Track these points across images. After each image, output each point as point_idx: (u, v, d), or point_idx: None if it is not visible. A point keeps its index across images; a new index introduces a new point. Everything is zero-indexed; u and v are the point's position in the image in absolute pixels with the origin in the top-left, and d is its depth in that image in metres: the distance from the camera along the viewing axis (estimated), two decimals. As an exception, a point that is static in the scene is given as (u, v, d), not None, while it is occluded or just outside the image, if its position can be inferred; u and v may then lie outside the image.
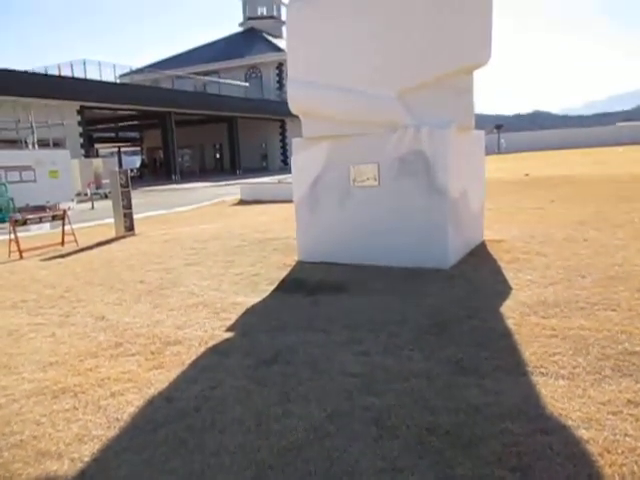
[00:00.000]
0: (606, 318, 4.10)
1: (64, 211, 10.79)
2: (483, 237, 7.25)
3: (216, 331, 4.41)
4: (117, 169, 13.03)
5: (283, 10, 49.65)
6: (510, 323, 4.15)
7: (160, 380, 3.48)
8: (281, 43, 48.49)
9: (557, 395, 2.96)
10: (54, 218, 10.94)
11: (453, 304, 4.70)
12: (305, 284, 5.69)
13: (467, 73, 5.65)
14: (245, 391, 3.25)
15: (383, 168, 5.72)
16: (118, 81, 37.40)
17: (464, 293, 5.05)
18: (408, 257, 5.81)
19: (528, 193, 14.06)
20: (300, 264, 6.61)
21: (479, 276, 5.63)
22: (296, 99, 5.93)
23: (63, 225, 10.26)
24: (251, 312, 4.94)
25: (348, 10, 5.51)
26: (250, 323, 4.61)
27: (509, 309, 4.47)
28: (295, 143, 6.36)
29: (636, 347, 3.52)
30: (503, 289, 5.10)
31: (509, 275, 5.54)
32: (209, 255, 7.82)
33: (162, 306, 5.28)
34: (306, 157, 6.13)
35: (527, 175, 19.89)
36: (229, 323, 4.61)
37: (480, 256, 6.51)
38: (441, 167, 5.49)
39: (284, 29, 46.51)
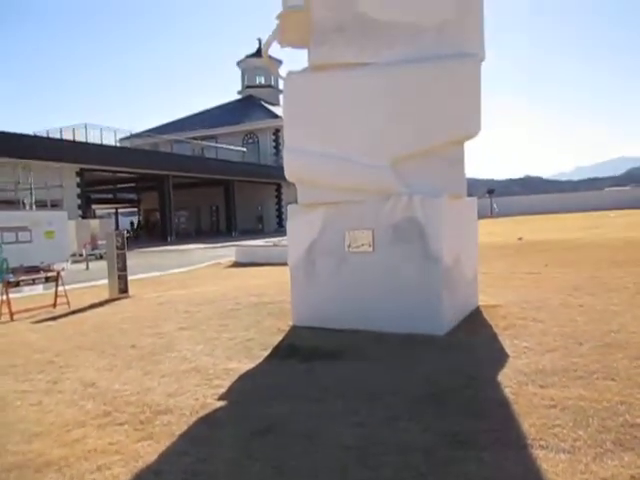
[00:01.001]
0: (605, 388, 4.04)
1: (58, 272, 10.75)
2: (478, 302, 7.24)
3: (208, 399, 4.31)
4: (113, 230, 13.10)
5: (280, 80, 51.47)
6: (508, 392, 4.08)
7: (149, 452, 3.36)
8: (278, 110, 50.07)
9: (558, 470, 2.87)
10: (47, 280, 10.88)
11: (449, 373, 4.63)
12: (299, 350, 5.61)
13: (458, 144, 5.85)
14: (236, 465, 3.13)
15: (378, 234, 5.79)
16: (118, 145, 38.22)
17: (460, 361, 4.99)
18: (403, 323, 5.78)
19: (522, 257, 14.16)
20: (295, 329, 6.54)
21: (475, 343, 5.58)
22: (292, 167, 6.08)
23: (56, 286, 10.20)
24: (244, 379, 4.84)
25: (342, 83, 5.74)
26: (243, 391, 4.51)
27: (506, 378, 4.40)
28: (291, 209, 6.46)
29: (637, 419, 3.45)
30: (499, 356, 5.04)
31: (505, 342, 5.49)
32: (203, 319, 7.75)
33: (154, 372, 5.18)
34: (301, 222, 6.21)
35: (520, 239, 20.08)
36: (222, 391, 4.51)
37: (475, 322, 6.47)
38: (434, 234, 5.56)
39: (281, 97, 48.17)
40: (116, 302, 10.24)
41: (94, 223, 27.52)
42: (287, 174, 6.18)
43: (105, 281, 11.63)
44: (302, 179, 6.12)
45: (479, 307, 7.17)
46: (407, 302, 5.78)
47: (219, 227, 48.61)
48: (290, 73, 6.06)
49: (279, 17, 5.84)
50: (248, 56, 57.11)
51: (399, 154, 5.64)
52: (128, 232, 47.44)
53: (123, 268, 11.25)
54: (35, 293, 12.12)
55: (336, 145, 5.75)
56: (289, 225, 6.46)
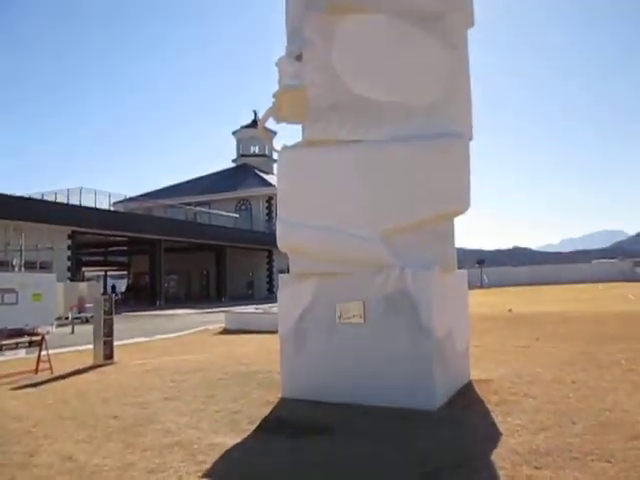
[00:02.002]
0: (601, 470, 3.93)
1: (42, 337, 10.53)
2: (470, 376, 7.14)
3: (191, 477, 4.13)
4: (102, 295, 12.97)
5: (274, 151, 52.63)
6: (502, 474, 3.95)
7: (126, 535, 3.18)
8: (271, 178, 51.09)
9: None
10: (31, 344, 10.64)
11: (441, 450, 4.50)
12: (288, 424, 5.45)
13: (448, 219, 5.98)
14: None
15: (369, 306, 5.79)
16: (112, 208, 38.52)
17: (452, 438, 4.86)
18: (394, 397, 5.67)
19: (512, 330, 14.10)
20: (284, 401, 6.38)
21: (467, 419, 5.45)
22: (284, 238, 6.15)
23: (39, 351, 9.96)
24: (230, 455, 4.67)
25: (335, 159, 5.93)
26: (228, 469, 4.34)
27: (500, 457, 4.28)
28: (282, 279, 6.48)
29: (635, 505, 3.34)
30: (492, 434, 4.92)
31: (498, 419, 5.37)
32: (189, 389, 7.55)
33: (135, 446, 4.98)
34: (292, 292, 6.21)
35: (510, 311, 20.06)
36: (206, 467, 4.34)
37: (467, 397, 6.35)
38: (426, 307, 5.57)
39: (274, 166, 49.31)
40: (100, 369, 9.99)
41: (82, 286, 27.22)
42: (279, 245, 6.25)
43: (90, 346, 11.38)
44: (294, 250, 6.18)
45: (471, 381, 7.06)
46: (398, 376, 5.70)
47: (209, 292, 48.26)
48: (285, 147, 6.25)
49: (275, 95, 6.09)
50: (244, 127, 58.92)
51: (390, 227, 5.75)
52: (116, 295, 46.98)
53: (109, 333, 11.06)
54: (17, 357, 11.81)
55: (328, 217, 5.85)
56: (280, 294, 6.45)
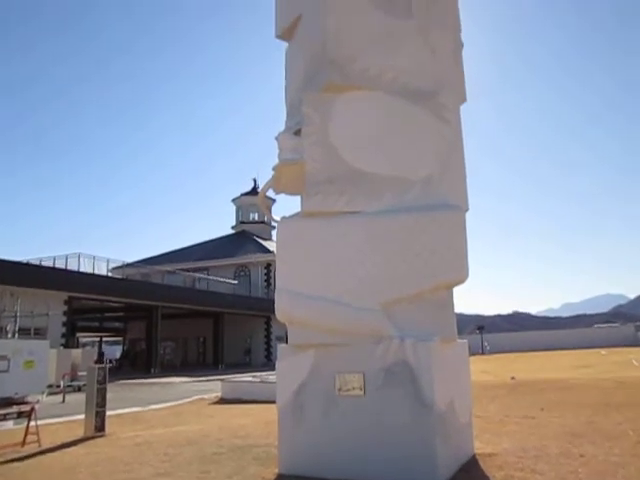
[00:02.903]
0: None
1: (32, 408, 10.22)
2: (474, 450, 6.90)
3: None
4: (95, 365, 12.71)
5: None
6: None
7: None
8: (270, 245, 51.43)
9: None
10: (19, 415, 10.32)
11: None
12: (285, 504, 5.20)
13: (447, 289, 5.99)
14: None
15: (369, 378, 5.67)
16: (110, 274, 38.47)
17: (458, 519, 4.63)
18: (396, 473, 5.45)
19: (516, 399, 13.75)
20: (281, 478, 6.12)
21: (473, 498, 5.22)
22: (283, 309, 6.13)
23: (28, 423, 9.64)
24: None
25: (333, 230, 6.00)
26: None
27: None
28: (280, 349, 6.40)
29: None
30: (500, 515, 4.69)
31: (505, 497, 5.14)
32: (183, 463, 7.26)
33: (124, 528, 4.73)
34: (291, 364, 6.10)
35: (513, 379, 19.66)
36: None
37: (471, 472, 6.10)
38: (426, 379, 5.46)
39: (273, 233, 49.76)
40: (91, 441, 9.64)
41: (76, 353, 26.74)
42: (278, 315, 6.21)
43: (81, 416, 11.04)
44: (293, 320, 6.14)
45: (475, 455, 6.81)
46: (400, 450, 5.50)
47: (205, 359, 47.37)
48: (284, 219, 6.35)
49: (275, 168, 6.25)
50: (243, 194, 59.97)
51: (389, 298, 5.74)
52: (110, 362, 45.89)
53: (102, 404, 10.75)
54: (4, 429, 11.43)
55: (327, 288, 5.85)
56: (278, 366, 6.35)
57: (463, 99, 6.79)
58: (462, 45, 6.86)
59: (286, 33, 6.98)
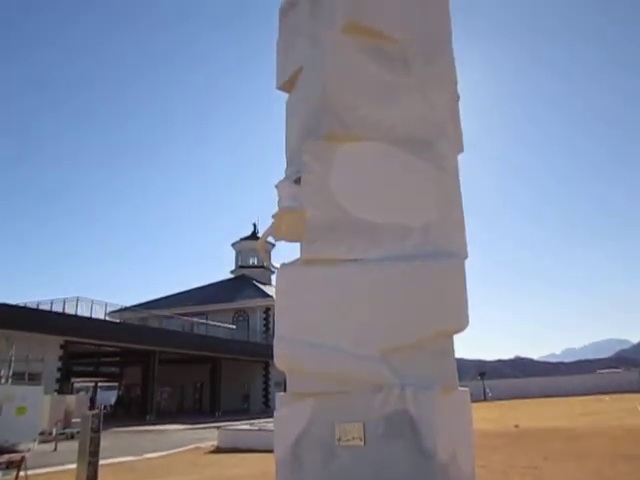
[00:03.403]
0: None
1: (22, 458, 9.96)
2: (478, 504, 6.68)
3: None
4: (90, 412, 12.44)
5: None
6: None
7: None
8: (269, 290, 51.28)
9: None
10: (9, 466, 10.03)
11: None
12: None
13: (447, 337, 5.96)
14: None
15: (369, 427, 5.56)
16: (108, 318, 38.18)
17: None
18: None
19: (519, 448, 13.44)
20: (278, 534, 5.90)
21: None
22: (282, 357, 6.07)
23: (17, 473, 9.36)
24: None
25: (332, 278, 6.02)
26: None
27: None
28: (279, 398, 6.29)
29: None
30: None
31: None
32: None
33: None
34: (289, 413, 5.99)
35: (516, 427, 19.25)
36: None
37: (476, 528, 5.90)
38: (428, 429, 5.35)
39: (273, 277, 49.63)
40: (82, 494, 9.34)
41: (70, 399, 26.25)
42: (277, 362, 6.15)
43: (73, 465, 10.75)
44: (291, 368, 6.06)
45: (479, 510, 6.59)
46: (401, 504, 5.32)
47: (202, 406, 46.46)
48: (283, 265, 6.37)
49: (274, 216, 6.31)
50: (243, 239, 60.27)
51: (388, 346, 5.69)
52: (105, 408, 44.86)
53: (95, 453, 10.47)
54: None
55: (326, 336, 5.82)
56: (276, 415, 6.24)
57: (461, 149, 6.94)
58: (459, 97, 7.05)
59: (287, 84, 7.17)
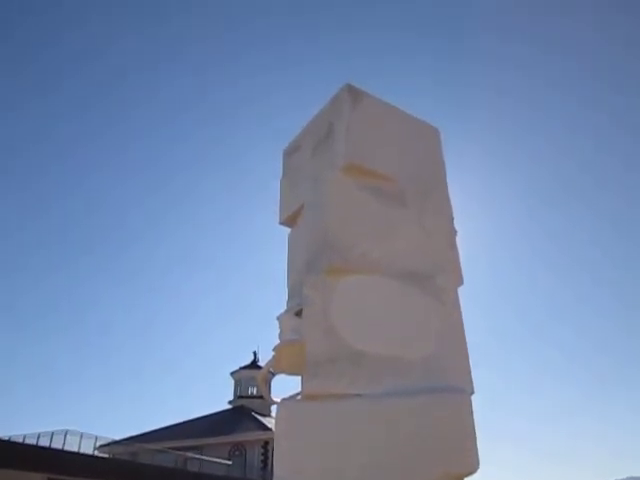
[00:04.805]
0: None
1: None
2: None
3: None
4: None
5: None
6: None
7: None
8: (269, 422, 49.16)
9: None
10: None
11: None
12: None
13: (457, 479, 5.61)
14: None
15: None
16: (97, 452, 36.14)
17: None
18: None
19: None
20: None
21: None
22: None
23: None
24: None
25: (334, 413, 5.79)
26: None
27: None
28: None
29: None
30: None
31: None
32: None
33: None
34: None
35: None
36: None
37: None
38: None
39: (273, 408, 47.69)
40: None
41: None
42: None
43: None
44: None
45: None
46: None
47: None
48: (283, 401, 6.18)
49: (275, 349, 6.25)
50: (242, 367, 58.91)
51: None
52: None
53: None
54: None
55: (328, 476, 5.48)
56: None
57: (460, 281, 7.04)
58: (456, 232, 7.29)
59: (289, 220, 7.47)
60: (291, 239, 7.51)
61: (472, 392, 6.19)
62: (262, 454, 49.83)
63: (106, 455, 40.28)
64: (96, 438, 36.19)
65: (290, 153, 8.05)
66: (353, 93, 7.16)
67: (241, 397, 59.50)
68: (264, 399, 55.42)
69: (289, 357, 6.11)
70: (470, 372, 6.35)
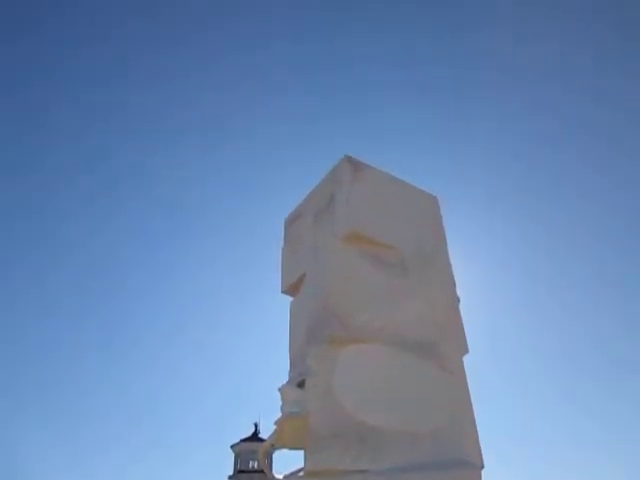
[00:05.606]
0: None
1: None
2: None
3: None
4: None
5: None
6: None
7: None
8: None
9: None
10: None
11: None
12: None
13: None
14: None
15: None
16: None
17: None
18: None
19: None
20: None
21: None
22: None
23: None
24: None
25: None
26: None
27: None
28: None
29: None
30: None
31: None
32: None
33: None
34: None
35: None
36: None
37: None
38: None
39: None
40: None
41: None
42: None
43: None
44: None
45: None
46: None
47: None
48: (286, 477, 5.99)
49: (277, 422, 6.09)
50: (243, 440, 56.91)
51: None
52: None
53: None
54: None
55: None
56: None
57: (465, 350, 6.95)
58: (459, 299, 7.27)
59: (291, 289, 7.48)
60: (293, 308, 7.46)
61: (482, 466, 5.96)
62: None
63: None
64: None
65: (291, 222, 8.16)
66: (353, 164, 7.36)
67: (241, 472, 56.95)
68: (264, 473, 53.23)
69: (291, 431, 5.91)
70: (479, 444, 6.13)
